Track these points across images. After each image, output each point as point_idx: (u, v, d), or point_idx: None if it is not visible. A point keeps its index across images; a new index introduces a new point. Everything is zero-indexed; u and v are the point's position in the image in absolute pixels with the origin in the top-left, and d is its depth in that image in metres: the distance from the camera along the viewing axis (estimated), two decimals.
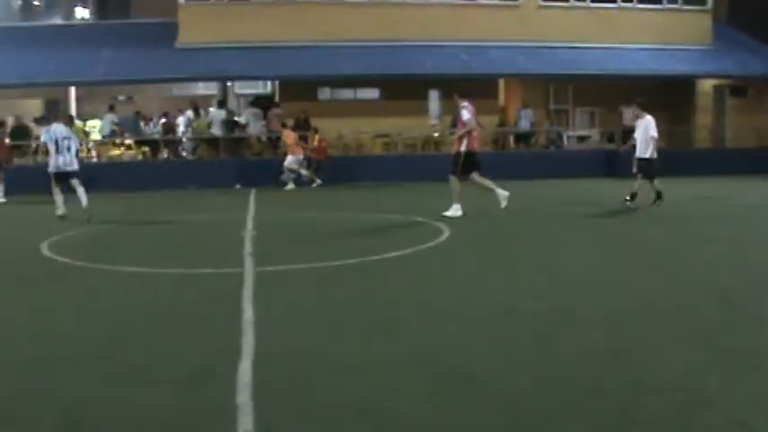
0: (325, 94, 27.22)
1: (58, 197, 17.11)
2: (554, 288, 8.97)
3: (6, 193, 22.07)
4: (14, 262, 11.99)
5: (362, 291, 9.08)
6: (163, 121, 26.32)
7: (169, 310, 8.41)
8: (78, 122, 26.82)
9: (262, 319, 7.55)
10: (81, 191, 16.91)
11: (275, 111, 26.41)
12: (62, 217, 16.78)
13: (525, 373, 5.89)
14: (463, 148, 15.87)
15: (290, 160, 23.73)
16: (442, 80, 25.40)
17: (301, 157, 23.90)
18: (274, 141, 25.86)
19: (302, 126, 25.69)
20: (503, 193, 15.92)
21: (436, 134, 27.09)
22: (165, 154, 26.07)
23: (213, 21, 26.48)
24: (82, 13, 42.28)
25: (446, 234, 13.17)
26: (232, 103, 28.38)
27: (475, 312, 7.89)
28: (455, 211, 15.71)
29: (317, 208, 15.97)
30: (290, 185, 23.50)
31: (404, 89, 25.72)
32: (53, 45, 27.15)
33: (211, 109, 26.44)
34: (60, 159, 17.07)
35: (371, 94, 26.73)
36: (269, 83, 28.61)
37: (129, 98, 29.05)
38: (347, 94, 26.78)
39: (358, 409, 5.28)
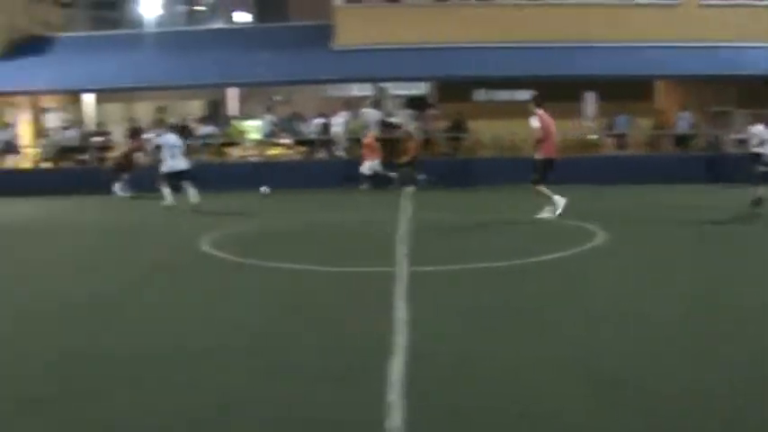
0: (480, 95, 27.14)
1: (166, 190, 19.33)
2: (711, 295, 8.73)
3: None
4: (174, 258, 12.44)
5: (515, 293, 9.05)
6: (319, 121, 26.78)
7: (323, 307, 8.58)
8: (236, 123, 27.63)
9: (414, 319, 7.62)
10: (189, 187, 18.94)
11: (430, 112, 26.53)
12: (169, 208, 18.93)
13: (674, 382, 5.79)
14: (541, 155, 15.94)
15: (367, 166, 23.97)
16: (598, 81, 24.99)
17: (377, 161, 24.07)
18: (428, 142, 25.97)
19: (458, 128, 25.73)
20: (560, 201, 15.81)
21: (594, 136, 26.67)
22: (321, 153, 26.48)
23: (368, 23, 26.81)
24: (242, 17, 43.46)
25: (599, 237, 12.95)
26: (387, 104, 28.62)
27: (626, 317, 7.76)
28: (550, 212, 15.69)
29: (475, 209, 15.92)
30: (365, 185, 23.73)
31: (559, 90, 25.38)
32: (215, 48, 28.05)
33: (365, 110, 26.74)
34: (171, 162, 19.21)
35: (526, 95, 26.47)
36: (424, 84, 28.73)
37: (286, 99, 29.67)
38: (502, 95, 26.61)
39: (508, 411, 5.29)
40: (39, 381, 6.22)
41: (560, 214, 15.54)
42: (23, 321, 8.26)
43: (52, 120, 29.52)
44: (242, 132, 27.33)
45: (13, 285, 10.42)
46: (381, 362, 6.21)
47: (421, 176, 23.09)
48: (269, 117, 26.85)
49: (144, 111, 29.24)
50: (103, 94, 28.89)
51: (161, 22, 35.66)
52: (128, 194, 22.72)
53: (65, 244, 14.60)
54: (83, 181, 24.26)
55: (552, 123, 16.29)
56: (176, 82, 26.79)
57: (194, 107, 29.92)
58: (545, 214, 15.65)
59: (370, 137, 24.26)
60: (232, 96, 28.31)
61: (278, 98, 29.04)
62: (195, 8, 47.42)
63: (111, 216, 19.39)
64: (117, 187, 23.13)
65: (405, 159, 23.73)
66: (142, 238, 15.06)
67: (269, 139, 26.93)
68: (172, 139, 19.51)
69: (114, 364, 6.55)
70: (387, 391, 5.56)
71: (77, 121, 28.49)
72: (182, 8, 46.27)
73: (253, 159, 26.70)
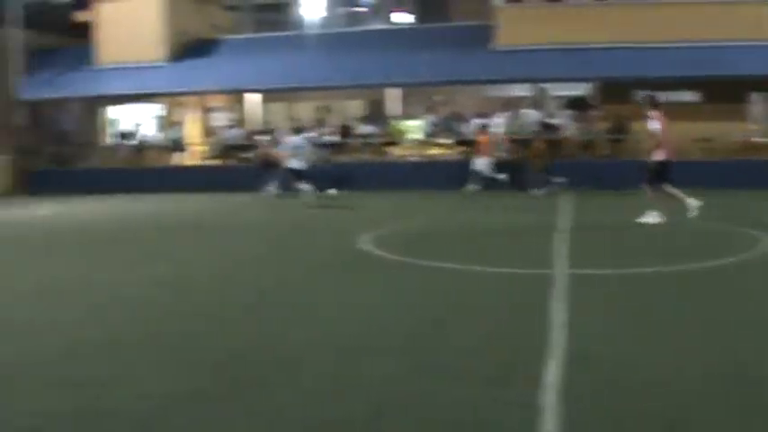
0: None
1: (305, 186, 20.92)
2: None
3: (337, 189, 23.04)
4: (334, 255, 12.66)
5: (678, 299, 8.81)
6: (479, 121, 26.71)
7: (479, 307, 8.58)
8: (395, 122, 27.86)
9: (571, 321, 7.52)
10: (305, 186, 20.87)
11: (592, 113, 26.12)
12: (308, 204, 20.41)
13: None
14: (658, 157, 15.52)
15: (480, 163, 23.72)
16: (766, 82, 24.09)
17: (490, 160, 23.70)
18: (590, 143, 25.58)
19: (619, 129, 25.24)
20: (693, 203, 15.45)
21: (763, 139, 25.66)
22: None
23: (529, 23, 26.56)
24: (403, 17, 43.76)
25: (764, 244, 12.45)
26: (547, 104, 28.32)
27: None
28: (657, 217, 15.25)
29: (633, 212, 15.55)
30: (473, 187, 23.35)
31: (725, 91, 24.58)
32: (376, 49, 28.37)
33: (525, 110, 26.53)
34: (294, 162, 21.27)
35: (690, 96, 25.76)
36: (584, 85, 28.28)
37: (446, 99, 29.72)
38: (666, 96, 25.93)
39: (666, 418, 5.16)
40: (207, 374, 6.45)
41: (694, 216, 15.21)
42: (195, 319, 8.56)
43: (218, 119, 30.52)
44: (402, 132, 27.56)
45: (180, 284, 10.82)
46: (536, 364, 6.17)
47: (559, 180, 22.63)
48: (429, 117, 26.99)
49: (306, 110, 29.86)
50: (267, 94, 29.67)
51: (323, 23, 36.24)
52: (275, 193, 23.22)
53: (226, 241, 15.07)
54: (246, 178, 24.95)
55: (667, 124, 15.84)
56: (338, 82, 27.27)
57: (355, 107, 30.35)
58: (649, 219, 15.30)
59: (484, 135, 24.16)
60: (393, 96, 28.58)
61: (438, 98, 29.11)
62: (356, 9, 48.01)
63: (271, 214, 19.91)
64: (268, 186, 23.69)
65: (536, 161, 23.38)
66: (302, 237, 15.39)
67: (429, 138, 27.07)
68: (296, 140, 21.75)
69: (275, 361, 6.71)
70: (541, 395, 5.51)
71: (242, 121, 29.35)
72: (343, 10, 46.93)
73: (412, 159, 26.90)
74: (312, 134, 24.55)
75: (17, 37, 30.01)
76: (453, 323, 7.86)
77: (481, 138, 24.06)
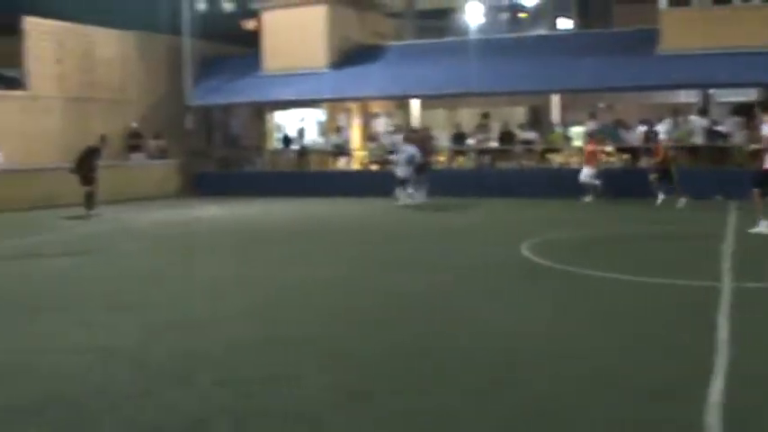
0: None
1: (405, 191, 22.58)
2: None
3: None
4: (495, 262, 12.68)
5: None
6: (642, 128, 26.20)
7: (639, 319, 8.47)
8: (558, 130, 27.59)
9: (737, 338, 7.35)
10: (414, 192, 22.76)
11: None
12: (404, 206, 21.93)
13: None
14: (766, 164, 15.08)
15: (585, 173, 23.25)
16: None
17: (594, 170, 23.34)
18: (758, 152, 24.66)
19: None
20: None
21: None
22: (644, 161, 25.86)
23: (695, 26, 25.85)
24: (565, 23, 43.31)
25: None
26: (713, 111, 27.50)
27: None
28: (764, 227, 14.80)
29: None
30: (588, 197, 22.90)
31: None
32: (538, 55, 28.17)
33: (691, 117, 25.85)
34: (401, 170, 23.14)
35: None
36: (753, 90, 27.33)
37: (609, 106, 29.25)
38: None
39: None
40: (368, 374, 6.62)
41: None
42: (352, 321, 8.77)
43: (380, 124, 30.96)
44: (564, 139, 27.30)
45: (333, 282, 11.08)
46: (700, 381, 6.06)
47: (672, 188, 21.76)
48: (592, 124, 26.66)
49: (467, 117, 29.95)
50: (428, 100, 29.89)
51: (485, 29, 36.25)
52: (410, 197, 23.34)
53: (388, 244, 15.30)
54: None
55: None
56: (499, 88, 27.27)
57: (517, 113, 30.24)
58: (762, 228, 14.80)
59: (591, 144, 23.87)
60: (555, 103, 28.34)
61: (601, 105, 28.70)
62: (518, 15, 47.80)
63: (434, 218, 20.08)
64: (401, 192, 23.80)
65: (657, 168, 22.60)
66: (465, 240, 15.49)
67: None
68: (410, 150, 23.37)
69: (436, 363, 6.84)
70: (705, 413, 5.43)
71: (404, 126, 29.66)
72: (505, 16, 46.80)
73: (575, 166, 26.61)
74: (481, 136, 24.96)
75: (189, 46, 31.25)
76: (613, 335, 7.80)
77: (589, 147, 23.85)
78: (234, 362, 7.09)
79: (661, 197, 22.04)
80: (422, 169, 23.81)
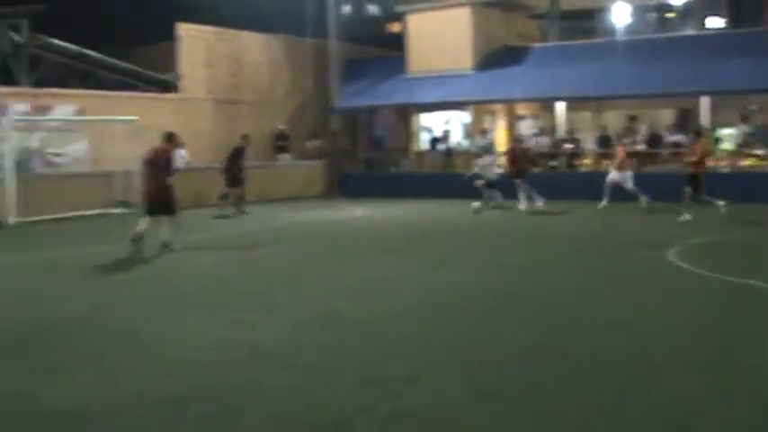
0: None
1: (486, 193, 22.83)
2: None
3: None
4: (641, 266, 12.44)
5: None
6: None
7: None
8: (708, 131, 26.82)
9: None
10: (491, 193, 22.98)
11: None
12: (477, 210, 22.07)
13: None
14: None
15: (622, 177, 22.27)
16: None
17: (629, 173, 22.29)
18: None
19: None
20: None
21: None
22: None
23: None
24: (715, 22, 42.09)
25: None
26: None
27: None
28: None
29: None
30: (644, 199, 21.76)
31: None
32: (687, 55, 27.44)
33: None
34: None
35: None
36: None
37: (761, 107, 28.29)
38: None
39: None
40: (496, 374, 6.63)
41: None
42: (495, 324, 8.76)
43: (525, 127, 30.74)
44: (714, 142, 26.53)
45: (479, 285, 11.07)
46: None
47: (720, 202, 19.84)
48: (743, 126, 25.84)
49: (614, 119, 29.45)
50: (574, 103, 29.52)
51: (631, 30, 35.57)
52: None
53: (524, 245, 15.20)
54: (553, 186, 24.99)
55: None
56: (646, 90, 26.67)
57: (665, 115, 29.54)
58: None
59: (621, 148, 23.28)
60: (704, 104, 27.58)
61: (753, 107, 27.76)
62: (666, 15, 46.71)
63: (580, 221, 19.85)
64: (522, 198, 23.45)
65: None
66: (610, 243, 15.28)
67: (742, 149, 25.92)
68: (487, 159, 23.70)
69: (572, 369, 6.79)
70: None
71: (552, 128, 29.36)
72: (652, 15, 45.78)
73: (724, 170, 25.85)
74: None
75: (335, 49, 31.76)
76: (754, 348, 7.56)
77: (619, 151, 23.11)
78: (380, 362, 7.18)
79: None
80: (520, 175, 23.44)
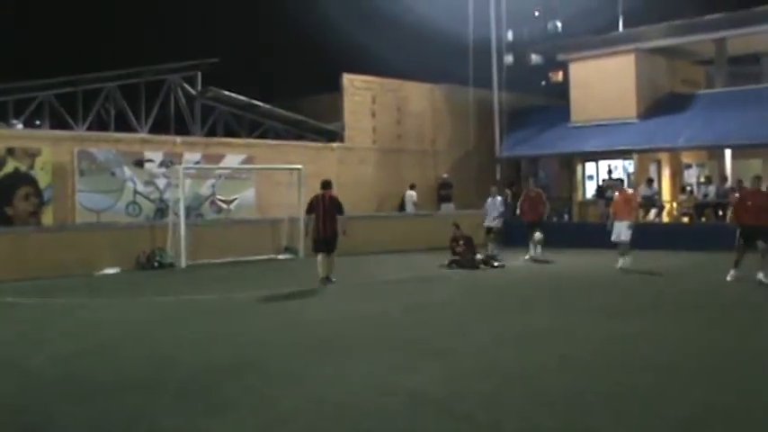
0: None
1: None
2: None
3: None
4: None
5: None
6: None
7: None
8: None
9: None
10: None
11: None
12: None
13: None
14: None
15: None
16: None
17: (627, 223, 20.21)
18: None
19: None
20: None
21: None
22: None
23: None
24: None
25: None
26: None
27: None
28: None
29: None
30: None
31: None
32: None
33: None
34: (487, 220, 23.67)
35: None
36: None
37: None
38: None
39: None
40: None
41: None
42: (658, 376, 8.56)
43: (692, 175, 30.04)
44: None
45: (642, 336, 10.82)
46: None
47: None
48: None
49: None
50: (741, 150, 28.65)
51: None
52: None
53: (682, 299, 14.76)
54: (721, 237, 24.25)
55: None
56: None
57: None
58: None
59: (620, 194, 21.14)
60: None
61: None
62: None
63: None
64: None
65: None
66: None
67: None
68: (495, 202, 23.75)
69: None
70: None
71: (721, 177, 28.49)
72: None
73: None
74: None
75: (498, 98, 31.90)
76: None
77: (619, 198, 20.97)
78: (538, 413, 7.12)
79: None
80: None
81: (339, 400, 7.68)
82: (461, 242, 21.95)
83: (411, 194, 30.46)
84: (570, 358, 9.47)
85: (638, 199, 22.36)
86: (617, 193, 21.46)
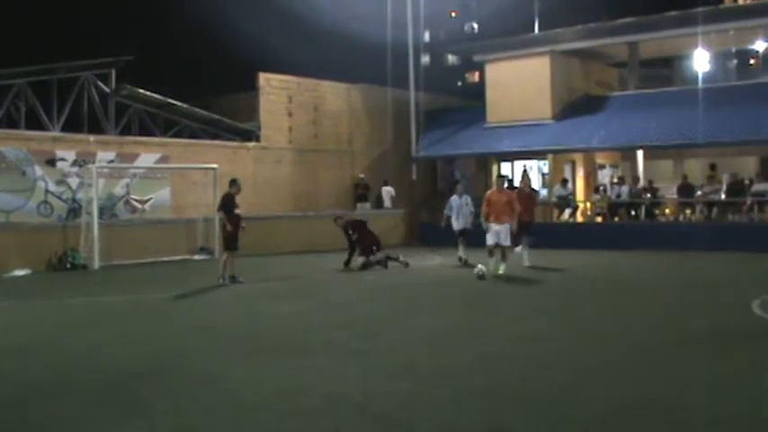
0: None
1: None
2: None
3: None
4: (727, 322, 12.13)
5: None
6: None
7: None
8: None
9: None
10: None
11: None
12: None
13: None
14: None
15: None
16: None
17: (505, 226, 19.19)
18: None
19: None
20: None
21: None
22: None
23: None
24: None
25: None
26: None
27: None
28: None
29: None
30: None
31: None
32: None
33: None
34: (455, 222, 22.14)
35: None
36: None
37: None
38: None
39: None
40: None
41: None
42: (571, 373, 8.67)
43: (605, 176, 30.55)
44: None
45: (554, 335, 10.97)
46: None
47: None
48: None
49: (694, 167, 29.09)
50: (654, 151, 29.22)
51: (712, 77, 35.20)
52: None
53: (619, 299, 14.99)
54: (634, 237, 24.76)
55: None
56: (728, 138, 26.20)
57: (746, 163, 29.01)
58: None
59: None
60: None
61: None
62: (749, 62, 46.19)
63: (661, 271, 19.58)
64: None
65: None
66: (696, 296, 15.00)
67: None
68: (456, 202, 22.13)
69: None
70: None
71: (635, 178, 28.99)
72: (733, 63, 45.34)
73: None
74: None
75: (414, 98, 32.02)
76: None
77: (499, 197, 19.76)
78: (454, 412, 7.15)
79: None
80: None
81: (254, 402, 7.62)
82: (350, 231, 21.29)
83: (388, 190, 31.27)
84: (484, 356, 9.53)
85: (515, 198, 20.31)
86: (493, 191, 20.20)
